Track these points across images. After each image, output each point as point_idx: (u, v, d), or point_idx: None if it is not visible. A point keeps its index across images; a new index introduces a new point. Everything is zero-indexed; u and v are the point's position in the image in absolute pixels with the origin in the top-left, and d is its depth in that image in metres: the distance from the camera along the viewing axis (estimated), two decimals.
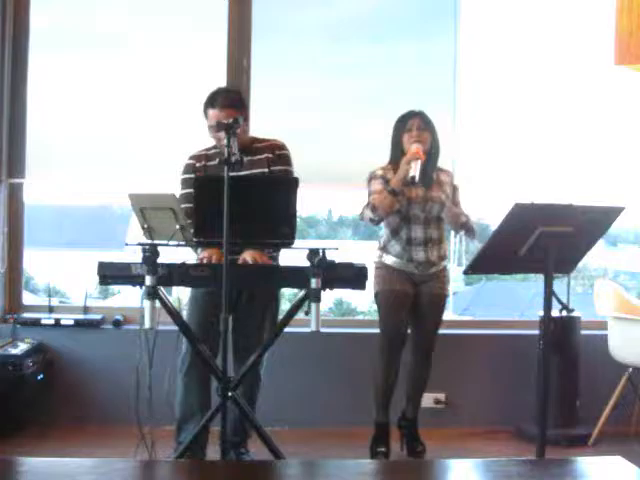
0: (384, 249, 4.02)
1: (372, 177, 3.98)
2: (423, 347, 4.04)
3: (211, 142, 3.74)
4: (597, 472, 2.59)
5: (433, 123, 4.00)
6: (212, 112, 3.61)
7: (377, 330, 3.99)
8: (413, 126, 3.92)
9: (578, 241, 3.22)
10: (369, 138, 4.54)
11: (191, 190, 3.43)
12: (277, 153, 3.72)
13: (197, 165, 3.73)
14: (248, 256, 3.46)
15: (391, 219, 3.96)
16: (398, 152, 3.94)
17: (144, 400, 3.32)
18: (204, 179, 3.49)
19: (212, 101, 3.64)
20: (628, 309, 4.46)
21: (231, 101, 3.64)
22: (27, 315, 4.62)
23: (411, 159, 3.79)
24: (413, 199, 3.93)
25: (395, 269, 3.96)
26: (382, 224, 4.01)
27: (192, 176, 3.65)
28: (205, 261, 3.40)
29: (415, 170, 3.75)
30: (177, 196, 3.64)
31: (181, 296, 3.48)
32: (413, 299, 3.99)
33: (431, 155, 3.97)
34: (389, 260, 3.98)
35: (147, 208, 3.24)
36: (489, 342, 4.71)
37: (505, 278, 5.85)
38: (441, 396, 4.58)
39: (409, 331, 4.03)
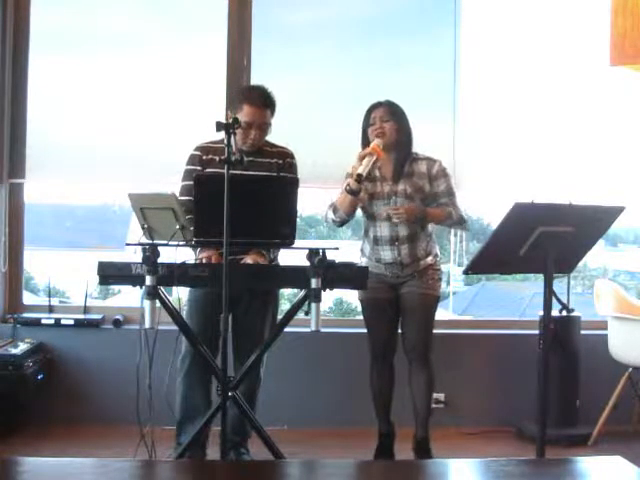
0: (361, 252, 3.88)
1: (346, 175, 3.74)
2: (414, 353, 3.78)
3: (218, 136, 3.67)
4: (597, 472, 2.60)
5: (401, 112, 3.77)
6: (249, 109, 3.58)
7: None
8: (376, 118, 3.73)
9: (578, 241, 3.22)
10: None
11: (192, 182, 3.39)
12: (287, 161, 3.74)
13: (204, 158, 3.70)
14: (249, 259, 3.49)
15: (363, 219, 3.85)
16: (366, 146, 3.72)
17: (144, 400, 3.32)
18: (205, 178, 3.48)
19: (250, 98, 3.61)
20: (628, 309, 4.46)
21: (269, 102, 3.64)
22: (27, 315, 4.61)
23: (365, 155, 3.57)
24: (377, 195, 3.74)
25: (372, 273, 3.59)
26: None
27: (196, 168, 3.66)
28: (205, 261, 3.40)
29: (365, 167, 3.52)
30: (178, 188, 3.65)
31: (181, 296, 3.47)
32: (396, 303, 3.81)
33: (400, 146, 3.75)
34: (364, 264, 3.74)
35: (147, 208, 3.24)
36: (489, 342, 4.71)
37: (505, 278, 5.85)
38: (440, 396, 4.57)
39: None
